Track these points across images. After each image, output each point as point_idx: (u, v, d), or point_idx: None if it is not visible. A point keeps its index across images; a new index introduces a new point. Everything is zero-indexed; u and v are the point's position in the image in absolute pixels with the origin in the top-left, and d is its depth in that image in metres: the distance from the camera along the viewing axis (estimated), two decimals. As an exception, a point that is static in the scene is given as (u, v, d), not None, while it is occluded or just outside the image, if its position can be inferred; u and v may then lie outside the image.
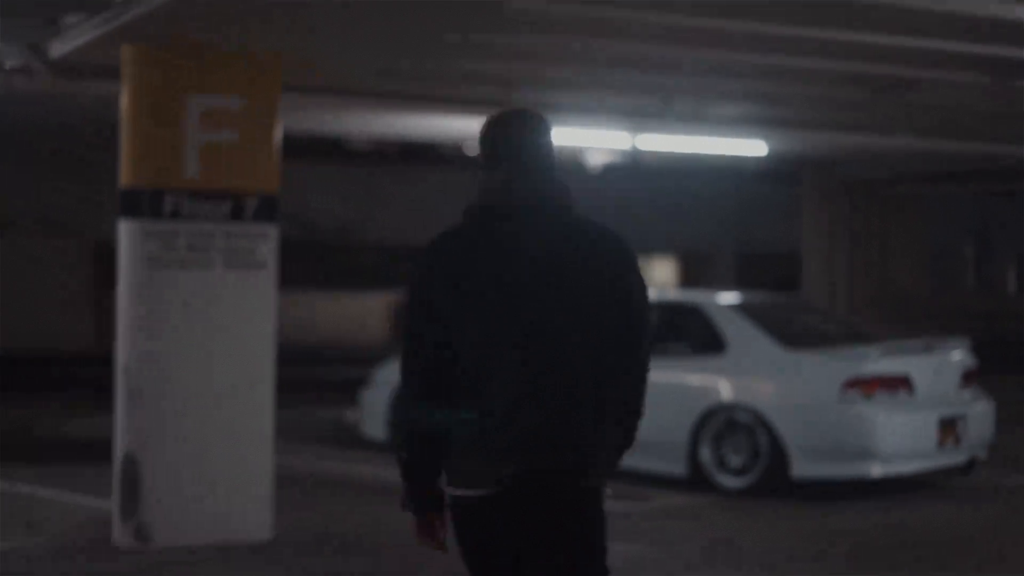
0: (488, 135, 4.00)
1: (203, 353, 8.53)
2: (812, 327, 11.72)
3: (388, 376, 13.07)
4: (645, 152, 17.21)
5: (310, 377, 19.80)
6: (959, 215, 22.06)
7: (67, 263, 22.72)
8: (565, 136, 14.01)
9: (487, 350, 3.77)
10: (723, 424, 10.92)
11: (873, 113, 12.77)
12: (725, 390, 10.94)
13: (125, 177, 8.47)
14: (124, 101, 8.48)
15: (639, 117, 12.47)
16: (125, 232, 8.45)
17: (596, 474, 3.88)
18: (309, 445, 13.31)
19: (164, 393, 8.44)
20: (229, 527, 8.65)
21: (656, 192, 28.19)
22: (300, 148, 33.39)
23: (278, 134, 8.84)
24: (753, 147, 15.20)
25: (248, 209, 8.67)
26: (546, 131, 3.99)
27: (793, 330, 11.38)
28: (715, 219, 31.75)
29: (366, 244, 32.36)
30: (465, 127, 14.28)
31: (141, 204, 8.42)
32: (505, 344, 3.77)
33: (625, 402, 3.98)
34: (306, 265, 32.60)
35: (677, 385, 11.00)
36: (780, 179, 36.52)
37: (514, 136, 3.94)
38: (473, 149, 33.51)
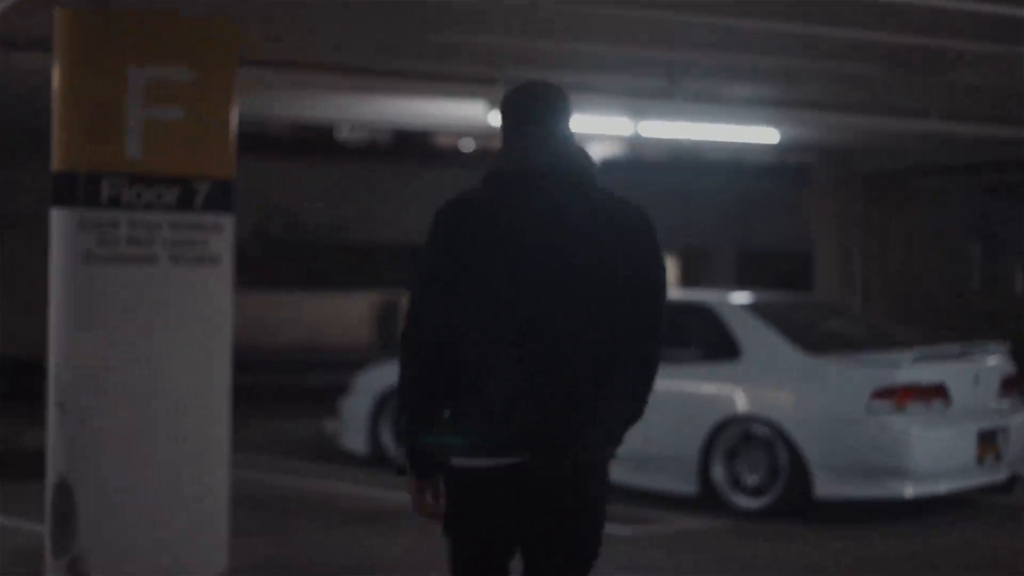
0: (512, 101, 3.97)
1: (146, 361, 7.43)
2: (835, 330, 10.64)
3: (370, 383, 12.01)
4: (648, 139, 16.16)
5: (293, 383, 18.69)
6: (972, 211, 21.04)
7: (15, 261, 21.78)
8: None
9: (489, 328, 3.71)
10: (738, 438, 9.85)
11: (896, 92, 11.69)
12: (739, 400, 9.86)
13: (57, 159, 7.38)
14: (56, 73, 7.40)
15: (644, 98, 11.38)
16: (57, 222, 7.35)
17: (601, 452, 3.87)
18: (285, 459, 12.24)
19: (101, 408, 7.34)
20: (178, 559, 7.56)
21: (654, 187, 27.08)
22: (284, 143, 32.67)
23: (234, 113, 7.77)
24: (765, 134, 14.15)
25: (198, 196, 7.59)
26: (568, 103, 3.97)
27: (815, 333, 10.31)
28: (715, 216, 30.74)
29: (354, 243, 31.39)
30: (453, 113, 13.23)
31: (75, 190, 7.33)
32: (506, 326, 3.71)
33: (634, 386, 3.91)
34: (293, 264, 31.70)
35: (686, 394, 9.92)
36: (782, 175, 35.74)
37: (540, 103, 3.91)
38: (468, 145, 33.10)
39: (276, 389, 18.03)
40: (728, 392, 9.95)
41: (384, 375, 11.95)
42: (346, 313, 25.18)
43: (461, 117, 13.36)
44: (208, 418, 7.66)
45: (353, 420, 12.05)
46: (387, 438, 11.78)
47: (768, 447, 9.69)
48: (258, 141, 32.75)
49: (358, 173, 31.97)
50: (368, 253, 32.92)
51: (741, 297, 10.75)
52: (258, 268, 31.75)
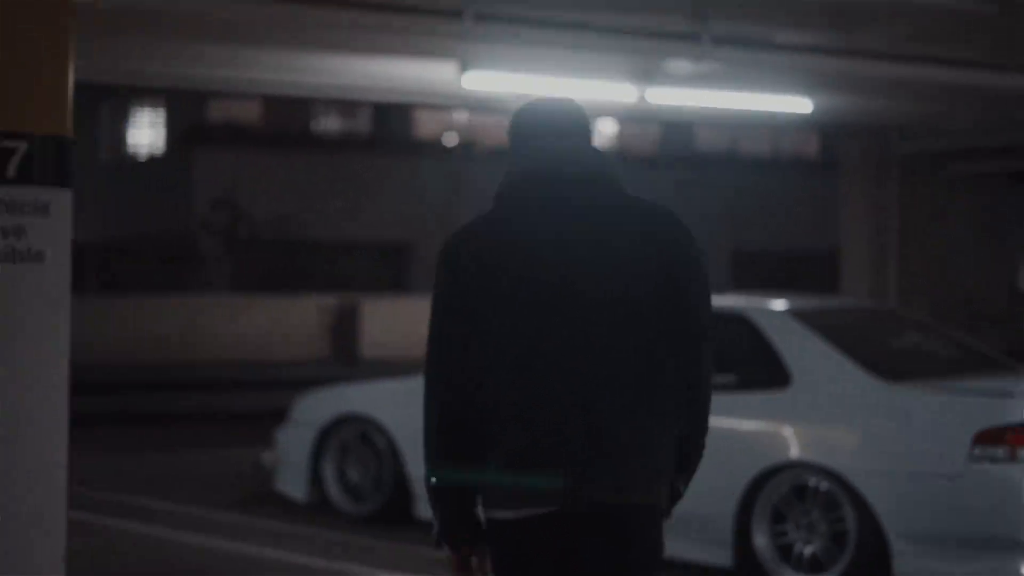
0: (520, 118, 3.72)
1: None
2: (913, 347, 8.17)
3: (311, 412, 9.54)
4: (647, 119, 13.77)
5: (227, 406, 16.05)
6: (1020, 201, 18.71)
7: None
8: (553, 88, 10.52)
9: (506, 364, 3.45)
10: (787, 492, 7.40)
11: (975, 40, 9.23)
12: (789, 442, 7.41)
13: None
14: None
15: (660, 41, 8.87)
16: None
17: (645, 494, 3.52)
18: (202, 507, 9.76)
19: None
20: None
21: (645, 183, 24.86)
22: (251, 132, 30.34)
23: (69, 45, 5.26)
24: (796, 104, 11.74)
25: (11, 162, 5.08)
26: (584, 117, 3.70)
27: (889, 352, 7.88)
28: (710, 213, 28.59)
29: (308, 240, 28.85)
30: (423, 76, 10.77)
31: None
32: (523, 359, 3.45)
33: (681, 417, 3.59)
34: (236, 263, 29.10)
35: (717, 435, 7.37)
36: (783, 171, 33.88)
37: (550, 116, 3.67)
38: (452, 139, 30.79)
39: (204, 413, 15.38)
40: (773, 431, 7.49)
41: (330, 400, 9.49)
42: (294, 320, 22.37)
43: (432, 81, 10.93)
44: (32, 454, 5.16)
45: (291, 457, 9.57)
46: (332, 479, 9.31)
47: (829, 506, 7.24)
48: (225, 130, 30.71)
49: (326, 165, 29.67)
50: (327, 251, 30.34)
51: (785, 304, 8.28)
52: (190, 267, 29.21)
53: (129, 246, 29.69)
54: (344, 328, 21.67)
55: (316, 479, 9.38)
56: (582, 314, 3.45)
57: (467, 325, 3.46)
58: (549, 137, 3.61)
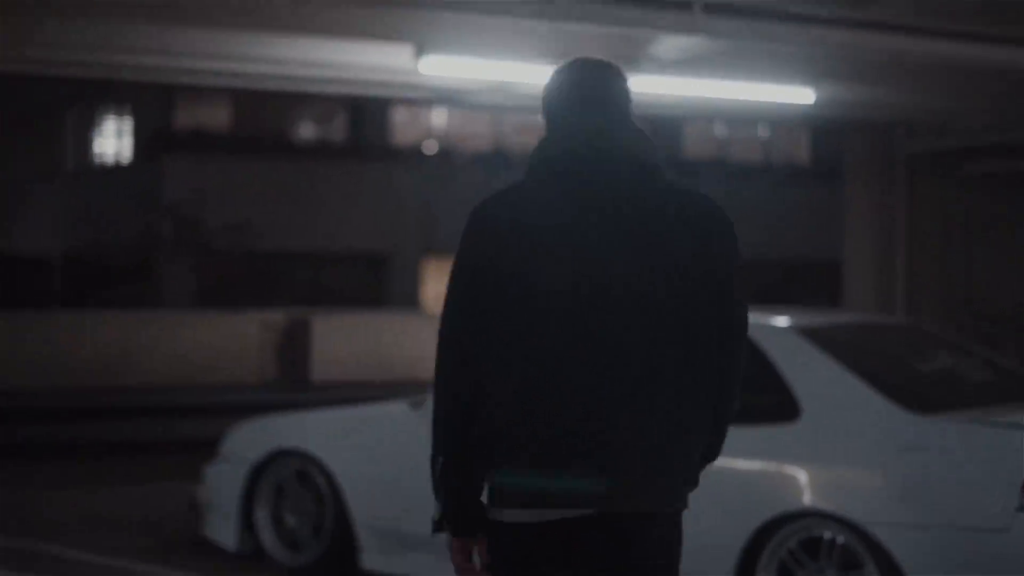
0: (556, 83, 3.48)
1: None
2: (944, 371, 6.90)
3: (242, 447, 8.27)
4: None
5: (169, 431, 14.64)
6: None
7: None
8: (514, 73, 9.35)
9: (527, 352, 3.25)
10: (797, 547, 6.16)
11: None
12: (800, 487, 6.16)
13: None
14: None
15: (650, 11, 7.62)
16: None
17: (678, 500, 3.39)
18: (119, 552, 8.50)
19: None
20: None
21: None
22: (222, 139, 29.12)
23: None
24: (797, 94, 10.51)
25: None
26: (625, 83, 3.51)
27: (915, 377, 6.65)
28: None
29: (281, 251, 27.53)
30: (375, 61, 9.54)
31: None
32: (547, 346, 3.25)
33: (712, 413, 3.45)
34: (196, 277, 27.57)
35: (714, 477, 6.16)
36: (775, 178, 32.98)
37: (588, 83, 3.44)
38: (432, 147, 29.66)
39: (134, 444, 13.91)
40: (780, 474, 6.25)
41: (263, 433, 8.23)
42: (238, 339, 20.65)
43: (385, 68, 9.69)
44: None
45: (219, 499, 8.30)
46: (265, 525, 8.05)
47: (847, 563, 6.00)
48: (193, 137, 29.54)
49: (299, 172, 28.49)
50: (297, 262, 28.92)
51: (789, 319, 7.02)
52: (131, 280, 27.69)
53: (89, 258, 28.44)
54: (293, 347, 20.09)
55: (249, 524, 8.11)
56: (611, 312, 3.28)
57: (488, 307, 3.27)
58: (583, 109, 3.41)
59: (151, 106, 29.12)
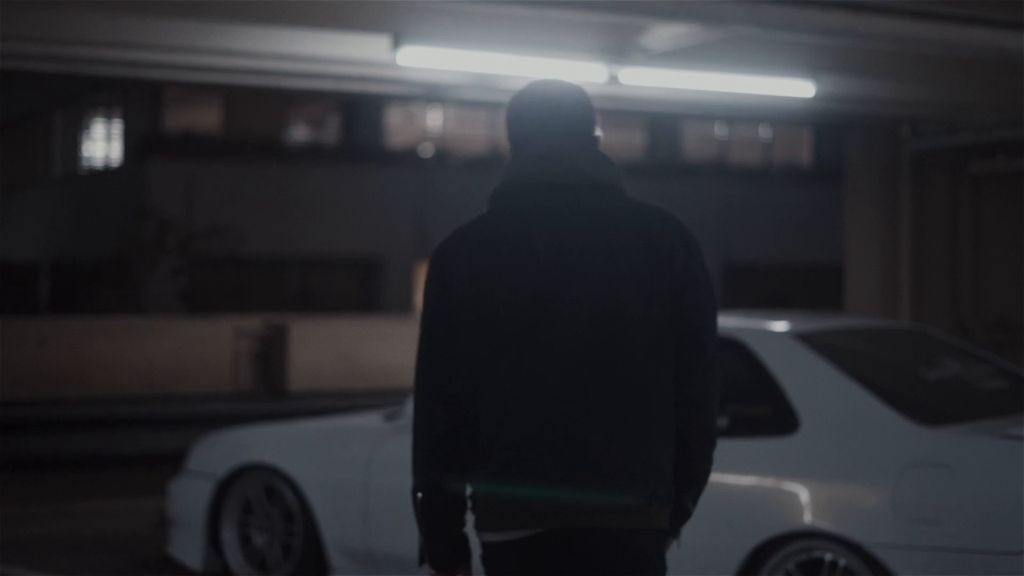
0: (517, 106, 3.51)
1: None
2: (954, 379, 6.42)
3: (208, 462, 7.80)
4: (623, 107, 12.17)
5: (136, 443, 14.06)
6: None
7: None
8: (497, 65, 8.91)
9: (493, 370, 3.32)
10: (795, 568, 5.69)
11: None
12: (798, 505, 5.69)
13: None
14: None
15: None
16: None
17: (639, 515, 3.29)
18: (83, 572, 8.03)
19: None
20: None
21: (630, 193, 23.58)
22: (190, 144, 28.53)
23: None
24: (797, 87, 10.03)
25: None
26: (587, 103, 3.52)
27: (923, 386, 6.17)
28: (698, 224, 27.13)
29: (248, 255, 26.92)
30: (349, 53, 9.09)
31: None
32: (510, 365, 3.31)
33: (687, 431, 3.41)
34: (178, 283, 26.89)
35: (706, 494, 5.70)
36: (774, 180, 32.69)
37: (547, 105, 3.48)
38: (427, 150, 29.30)
39: (100, 456, 13.37)
40: (777, 491, 5.77)
41: (229, 447, 7.76)
42: (211, 347, 19.74)
43: (362, 61, 9.22)
44: None
45: (184, 516, 7.83)
46: (232, 544, 7.58)
47: (851, 589, 5.53)
48: (182, 141, 29.02)
49: (291, 176, 28.00)
50: (270, 267, 28.22)
51: (788, 324, 6.54)
52: (114, 287, 27.02)
53: (73, 264, 27.94)
54: (270, 355, 19.40)
55: (215, 543, 7.65)
56: (573, 325, 3.32)
57: (457, 334, 3.35)
58: (545, 134, 3.45)
59: (139, 110, 28.66)
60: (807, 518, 5.65)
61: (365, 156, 29.25)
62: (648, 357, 3.32)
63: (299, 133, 30.52)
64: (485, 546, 3.33)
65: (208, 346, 19.08)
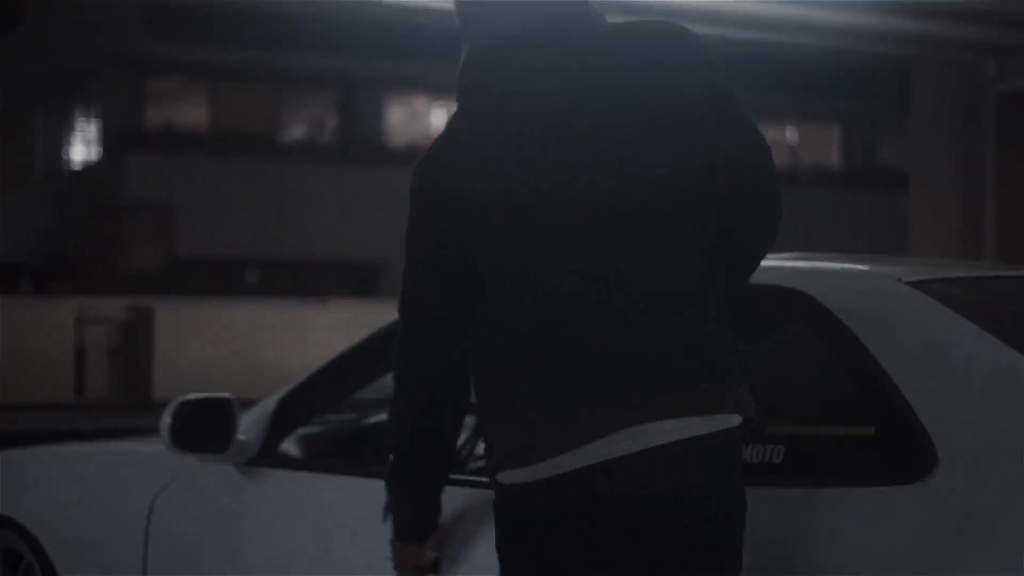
0: None
1: None
2: None
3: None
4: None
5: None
6: None
7: None
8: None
9: (510, 286, 2.72)
10: None
11: None
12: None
13: None
14: None
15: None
16: None
17: (727, 403, 2.68)
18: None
19: None
20: None
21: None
22: (174, 140, 28.04)
23: None
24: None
25: None
26: None
27: None
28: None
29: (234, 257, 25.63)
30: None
31: None
32: (534, 269, 2.70)
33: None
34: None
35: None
36: (794, 183, 32.65)
37: None
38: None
39: None
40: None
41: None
42: (49, 338, 15.06)
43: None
44: None
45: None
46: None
47: None
48: (165, 137, 28.26)
49: (285, 176, 26.84)
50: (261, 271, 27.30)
51: (890, 267, 3.67)
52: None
53: (51, 261, 27.11)
54: (130, 350, 15.30)
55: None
56: (604, 224, 2.69)
57: (455, 274, 2.79)
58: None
59: (120, 105, 27.97)
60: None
61: (363, 154, 28.44)
62: (706, 238, 2.75)
63: (296, 131, 29.98)
64: (506, 490, 2.69)
65: (45, 338, 14.85)
